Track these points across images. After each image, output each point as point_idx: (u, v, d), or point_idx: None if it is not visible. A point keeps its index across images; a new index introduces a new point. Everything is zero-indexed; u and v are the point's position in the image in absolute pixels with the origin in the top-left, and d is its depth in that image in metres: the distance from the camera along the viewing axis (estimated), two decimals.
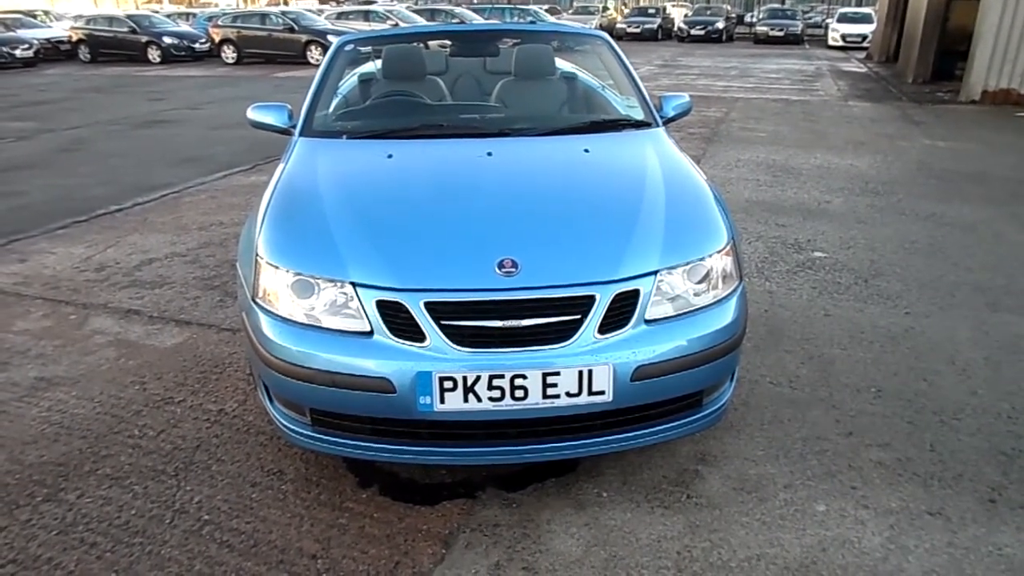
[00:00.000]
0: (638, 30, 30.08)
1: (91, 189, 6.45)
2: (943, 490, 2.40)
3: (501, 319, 2.04)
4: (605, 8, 36.15)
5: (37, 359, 3.35)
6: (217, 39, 20.27)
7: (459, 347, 2.02)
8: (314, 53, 19.32)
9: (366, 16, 22.21)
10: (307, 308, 2.16)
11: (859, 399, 2.96)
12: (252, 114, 3.40)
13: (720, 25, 29.70)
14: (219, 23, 20.65)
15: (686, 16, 32.16)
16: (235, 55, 19.98)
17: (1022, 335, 3.50)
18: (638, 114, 3.33)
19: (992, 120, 10.34)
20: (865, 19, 27.05)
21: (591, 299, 2.07)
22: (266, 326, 2.19)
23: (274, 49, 19.77)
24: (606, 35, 3.86)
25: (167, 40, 20.31)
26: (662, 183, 2.58)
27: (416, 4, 32.38)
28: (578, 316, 2.07)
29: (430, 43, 4.21)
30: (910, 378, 3.12)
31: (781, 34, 28.62)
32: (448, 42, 4.16)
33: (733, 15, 34.18)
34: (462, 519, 2.28)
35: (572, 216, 2.38)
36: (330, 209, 2.41)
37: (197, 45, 20.80)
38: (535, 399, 2.03)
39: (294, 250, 2.27)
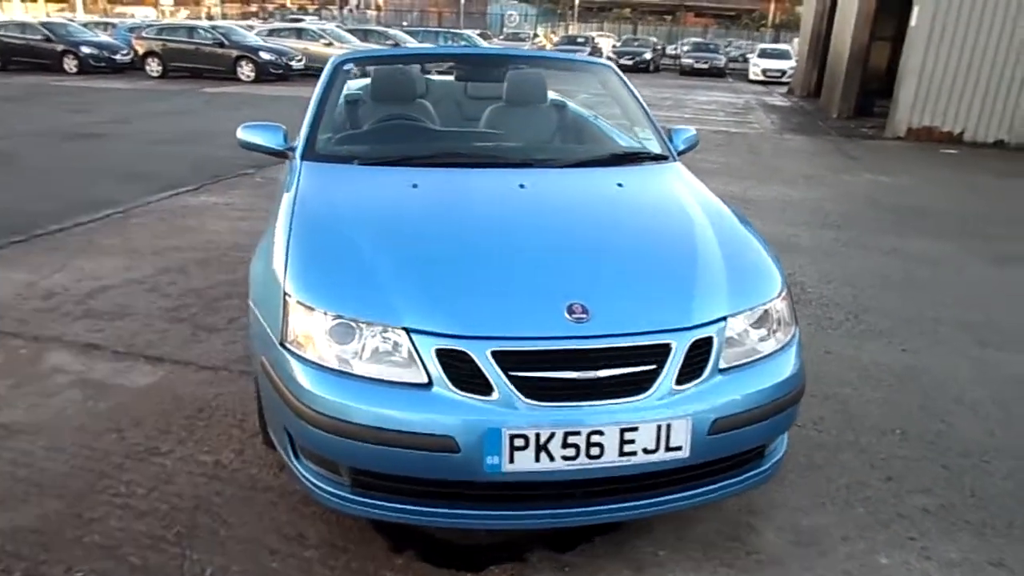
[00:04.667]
0: None
1: (24, 206, 5.91)
2: (998, 539, 2.35)
3: (573, 369, 1.87)
4: (535, 36, 36.62)
5: None
6: (141, 51, 19.34)
7: (530, 400, 1.84)
8: (244, 69, 18.70)
9: (299, 34, 21.70)
10: (348, 355, 1.93)
11: (886, 442, 2.90)
12: (243, 134, 3.13)
13: (648, 56, 30.49)
14: (144, 35, 19.74)
15: (614, 46, 32.88)
16: (160, 68, 19.11)
17: (1019, 374, 3.56)
18: (654, 147, 3.24)
19: (920, 156, 10.84)
20: (784, 55, 28.29)
21: (667, 347, 1.93)
22: (300, 374, 1.95)
23: (202, 64, 19.01)
24: (613, 64, 3.77)
25: (85, 50, 19.22)
26: (708, 223, 2.47)
27: (346, 24, 32.02)
28: (653, 366, 1.92)
29: (435, 67, 4.04)
30: (927, 418, 3.10)
31: (706, 67, 29.58)
32: (447, 65, 3.99)
33: (659, 46, 35.11)
34: None
35: (633, 257, 2.24)
36: (366, 245, 2.19)
37: (118, 56, 19.77)
38: (611, 457, 1.87)
39: (332, 290, 2.04)
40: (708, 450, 1.96)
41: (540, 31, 39.29)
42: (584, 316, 1.92)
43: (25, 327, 3.67)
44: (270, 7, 58.10)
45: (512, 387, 1.83)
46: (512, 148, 3.13)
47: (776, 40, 39.62)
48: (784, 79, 25.92)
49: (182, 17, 41.58)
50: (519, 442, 1.82)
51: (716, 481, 2.08)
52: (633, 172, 2.97)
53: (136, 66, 19.58)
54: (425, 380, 1.87)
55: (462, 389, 1.84)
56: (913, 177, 9.02)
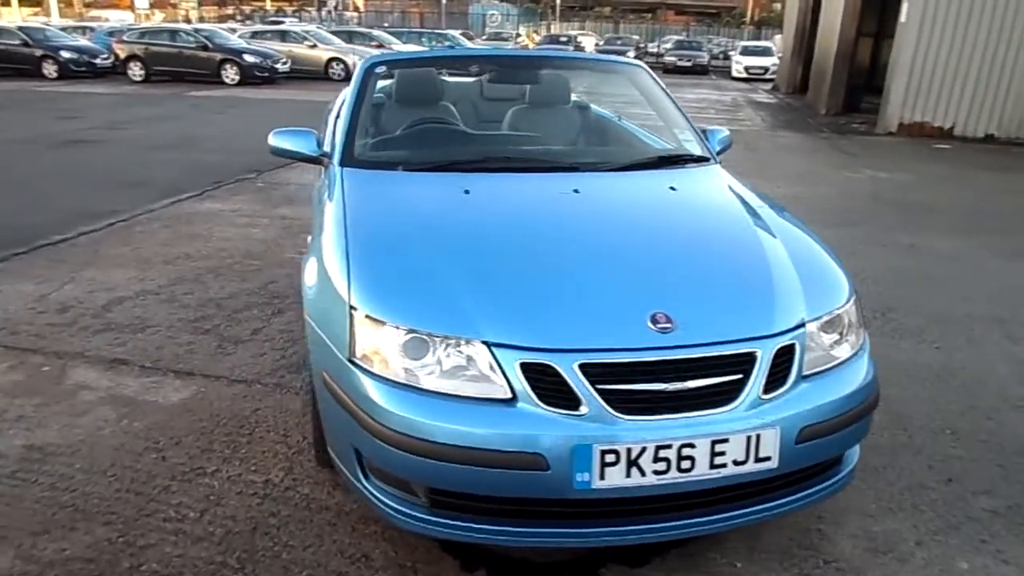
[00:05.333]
0: None
1: (22, 216, 5.76)
2: None
3: (661, 381, 1.81)
4: (517, 35, 36.55)
5: (19, 423, 2.85)
6: (123, 55, 18.99)
7: (619, 414, 1.78)
8: (229, 73, 18.45)
9: (283, 36, 21.46)
10: (423, 370, 1.86)
11: (939, 442, 2.88)
12: (275, 140, 3.03)
13: (632, 54, 30.43)
14: (125, 39, 19.38)
15: (597, 45, 32.88)
16: (143, 72, 18.78)
17: None
18: (695, 148, 3.18)
19: (915, 151, 10.89)
20: (766, 52, 28.44)
21: (752, 356, 1.87)
22: (373, 391, 1.87)
23: (186, 67, 18.72)
24: (644, 65, 3.71)
25: (65, 55, 18.88)
26: (770, 227, 2.43)
27: (328, 26, 31.78)
28: (740, 375, 1.86)
29: (470, 70, 3.98)
30: (977, 417, 3.07)
31: (689, 64, 29.61)
32: (475, 67, 3.93)
33: (642, 44, 35.19)
34: None
35: (707, 263, 2.19)
36: (430, 255, 2.11)
37: (98, 61, 19.42)
38: (702, 470, 1.81)
39: (402, 303, 1.96)
40: (795, 459, 1.91)
41: (522, 31, 39.22)
42: (669, 326, 1.86)
43: (43, 342, 3.55)
44: (247, 9, 57.64)
45: (601, 401, 1.77)
46: (561, 151, 3.07)
47: (757, 37, 39.84)
48: (767, 76, 26.05)
49: (158, 20, 41.03)
50: (610, 458, 1.75)
51: (800, 490, 2.02)
52: (680, 175, 2.92)
53: (117, 70, 19.23)
54: (509, 395, 1.80)
55: (549, 404, 1.78)
56: (912, 173, 9.06)
